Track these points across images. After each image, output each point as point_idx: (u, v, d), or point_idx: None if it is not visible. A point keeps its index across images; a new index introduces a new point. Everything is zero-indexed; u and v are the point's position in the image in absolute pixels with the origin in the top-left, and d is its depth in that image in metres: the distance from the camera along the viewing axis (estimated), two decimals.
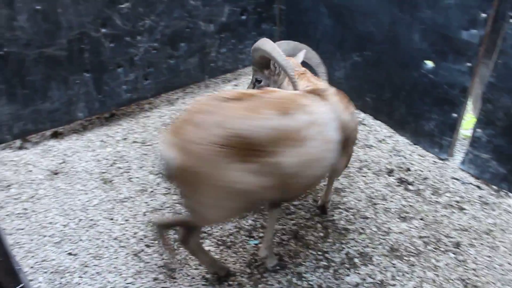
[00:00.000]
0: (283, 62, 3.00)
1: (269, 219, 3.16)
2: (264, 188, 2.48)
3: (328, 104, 2.78)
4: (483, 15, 3.85)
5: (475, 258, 3.40)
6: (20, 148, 4.55)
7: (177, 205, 3.86)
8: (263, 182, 2.45)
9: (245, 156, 2.36)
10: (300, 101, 2.66)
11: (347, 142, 2.96)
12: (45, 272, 3.21)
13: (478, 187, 4.14)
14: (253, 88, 3.40)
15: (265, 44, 3.08)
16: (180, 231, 2.90)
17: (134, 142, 4.74)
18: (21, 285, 2.06)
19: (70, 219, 3.68)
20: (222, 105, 2.44)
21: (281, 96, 2.69)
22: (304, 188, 3.02)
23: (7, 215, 3.69)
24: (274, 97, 2.62)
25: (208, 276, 3.20)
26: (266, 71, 3.35)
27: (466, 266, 3.33)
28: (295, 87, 3.04)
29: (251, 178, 2.40)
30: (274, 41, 3.12)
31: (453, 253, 3.44)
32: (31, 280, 3.13)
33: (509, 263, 3.36)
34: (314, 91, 2.89)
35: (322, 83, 3.25)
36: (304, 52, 3.52)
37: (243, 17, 5.67)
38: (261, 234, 3.59)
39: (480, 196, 4.02)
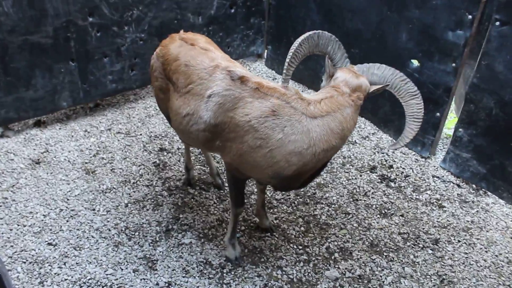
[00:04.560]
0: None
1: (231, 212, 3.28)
2: None
3: None
4: (469, 16, 3.91)
5: (452, 254, 3.47)
6: (2, 136, 4.48)
7: (159, 196, 3.86)
8: None
9: None
10: None
11: None
12: (24, 262, 3.18)
13: (458, 185, 4.21)
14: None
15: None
16: None
17: (118, 132, 4.72)
18: None
19: (51, 209, 3.65)
20: None
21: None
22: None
23: None
24: None
25: (188, 268, 3.21)
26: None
27: (444, 262, 3.39)
28: None
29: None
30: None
31: (431, 250, 3.50)
32: (9, 270, 3.11)
33: (485, 260, 3.43)
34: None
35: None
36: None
37: (232, 11, 5.66)
38: (243, 228, 3.60)
39: (459, 194, 4.09)
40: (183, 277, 3.15)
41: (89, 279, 3.08)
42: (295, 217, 3.74)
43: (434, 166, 4.45)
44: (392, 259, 3.40)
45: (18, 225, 3.48)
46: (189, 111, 2.90)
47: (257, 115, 2.63)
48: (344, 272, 3.27)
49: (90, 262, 3.22)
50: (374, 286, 3.17)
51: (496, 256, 3.48)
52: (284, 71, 2.75)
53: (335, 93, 2.72)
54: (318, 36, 2.78)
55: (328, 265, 3.32)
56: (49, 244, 3.34)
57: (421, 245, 3.54)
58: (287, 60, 2.77)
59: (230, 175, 3.05)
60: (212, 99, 2.77)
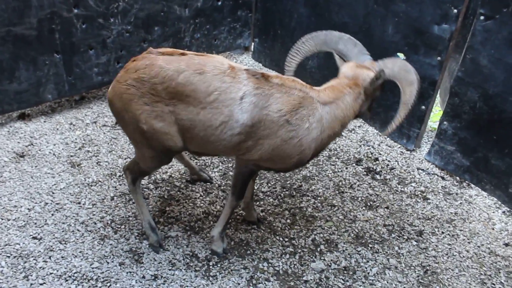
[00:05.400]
0: None
1: (226, 204, 3.25)
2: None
3: None
4: (455, 10, 3.94)
5: (436, 246, 3.52)
6: None
7: (145, 190, 3.84)
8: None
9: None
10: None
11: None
12: (8, 257, 3.15)
13: (442, 177, 4.27)
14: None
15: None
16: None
17: (104, 125, 4.68)
18: None
19: (35, 203, 3.62)
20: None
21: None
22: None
23: None
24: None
25: (174, 261, 3.22)
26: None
27: (427, 254, 3.45)
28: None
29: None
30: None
31: (416, 241, 3.55)
32: None
33: (467, 251, 3.49)
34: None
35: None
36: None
37: (219, 3, 5.62)
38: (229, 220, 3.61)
39: (443, 187, 4.15)
40: (170, 269, 3.15)
41: (74, 273, 3.07)
42: (281, 210, 3.76)
43: (419, 159, 4.50)
44: (377, 250, 3.44)
45: (2, 219, 3.44)
46: (223, 119, 2.71)
47: (290, 109, 2.75)
48: (329, 264, 3.30)
49: (76, 256, 3.20)
50: (359, 278, 3.21)
51: (478, 247, 3.55)
52: (286, 62, 3.00)
53: (335, 83, 2.98)
54: (325, 35, 3.04)
55: (314, 257, 3.35)
56: (34, 238, 3.32)
57: (405, 237, 3.59)
58: (288, 55, 3.04)
59: (245, 170, 3.03)
60: (246, 99, 2.70)
